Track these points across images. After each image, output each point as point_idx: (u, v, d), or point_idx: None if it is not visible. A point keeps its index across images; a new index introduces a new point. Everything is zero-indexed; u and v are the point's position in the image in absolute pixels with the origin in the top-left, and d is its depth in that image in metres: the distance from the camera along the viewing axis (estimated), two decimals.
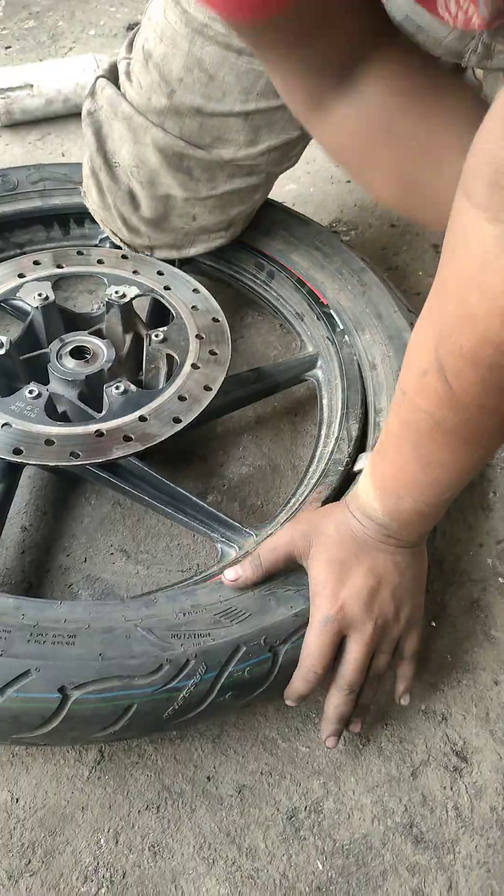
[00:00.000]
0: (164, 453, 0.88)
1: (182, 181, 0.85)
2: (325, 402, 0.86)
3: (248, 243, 0.97)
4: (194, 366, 0.80)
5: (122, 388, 0.77)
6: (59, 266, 0.90)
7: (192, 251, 0.94)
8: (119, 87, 0.84)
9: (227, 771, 0.67)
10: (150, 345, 0.82)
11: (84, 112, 0.88)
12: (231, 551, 0.72)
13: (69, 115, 1.38)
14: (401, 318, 0.86)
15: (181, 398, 0.77)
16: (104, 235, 0.98)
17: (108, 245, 0.99)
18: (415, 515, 0.62)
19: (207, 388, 0.78)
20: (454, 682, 0.73)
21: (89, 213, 0.97)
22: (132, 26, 1.66)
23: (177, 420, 0.75)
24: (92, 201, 0.94)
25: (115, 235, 0.95)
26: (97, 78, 0.87)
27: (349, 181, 1.29)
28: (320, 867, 0.62)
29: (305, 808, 0.65)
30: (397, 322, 0.86)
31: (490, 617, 0.78)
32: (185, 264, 0.97)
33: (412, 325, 0.85)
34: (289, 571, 0.66)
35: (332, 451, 0.78)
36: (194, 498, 0.75)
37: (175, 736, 0.68)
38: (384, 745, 0.69)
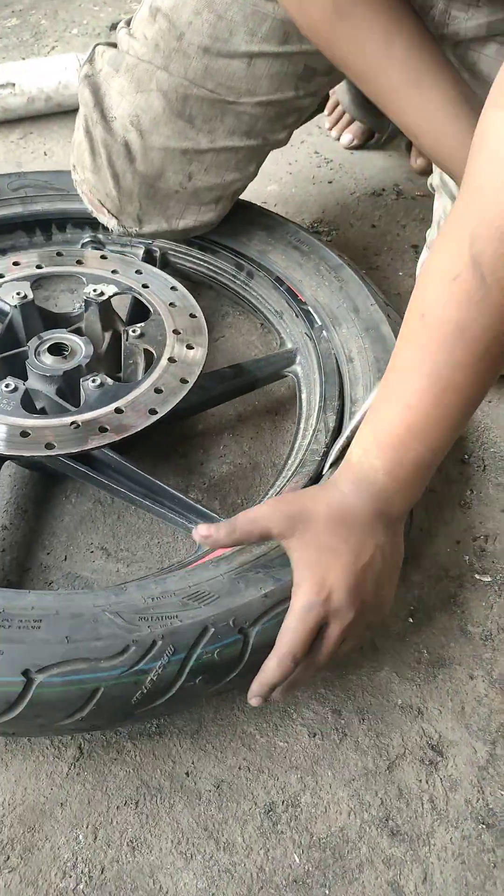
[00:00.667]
0: (145, 449, 0.88)
1: (182, 129, 0.87)
2: (303, 396, 0.87)
3: (227, 245, 0.98)
4: (171, 359, 0.81)
5: (98, 382, 0.78)
6: (39, 267, 0.91)
7: (181, 224, 0.93)
8: (124, 51, 0.88)
9: (205, 766, 0.67)
10: (127, 340, 0.83)
11: (81, 77, 0.90)
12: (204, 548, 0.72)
13: (51, 115, 1.39)
14: (377, 310, 0.88)
15: (157, 391, 0.78)
16: (86, 240, 0.99)
17: (89, 248, 1.00)
18: (414, 470, 0.62)
19: (184, 381, 0.79)
20: (430, 677, 0.74)
21: (71, 218, 0.98)
22: (115, 26, 1.66)
23: (153, 411, 0.76)
24: (82, 168, 0.93)
25: (103, 206, 0.93)
26: (95, 46, 0.90)
27: (331, 182, 1.30)
28: (297, 860, 0.63)
29: (283, 802, 0.66)
30: (374, 315, 0.87)
31: (466, 612, 0.79)
32: (165, 266, 0.98)
33: (389, 317, 0.87)
34: (259, 544, 0.66)
35: (309, 443, 0.78)
36: (172, 490, 0.75)
37: (153, 731, 0.69)
38: (361, 740, 0.70)
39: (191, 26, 0.84)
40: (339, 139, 1.37)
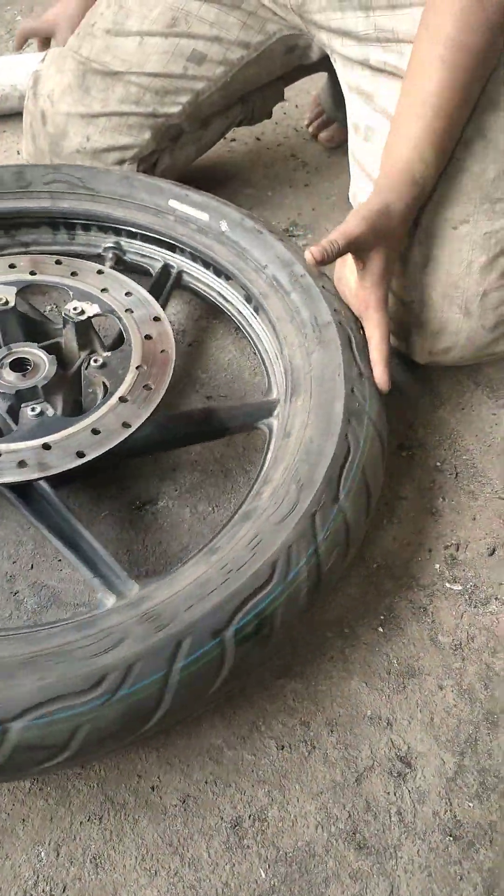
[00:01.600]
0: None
1: (81, 97, 1.06)
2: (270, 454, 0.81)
3: (239, 278, 0.94)
4: (122, 398, 0.76)
5: (37, 411, 0.74)
6: (33, 273, 0.88)
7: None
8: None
9: (171, 780, 0.66)
10: (86, 369, 0.79)
11: (32, 71, 1.13)
12: (108, 601, 0.66)
13: None
14: (340, 383, 0.80)
15: (95, 431, 0.73)
16: (109, 245, 1.01)
17: (109, 255, 0.99)
18: (447, 157, 0.82)
19: (126, 425, 0.74)
20: (400, 688, 0.74)
21: (96, 221, 1.01)
22: None
23: (80, 454, 0.71)
24: (23, 135, 1.15)
25: (28, 157, 1.15)
26: (48, 50, 1.13)
27: (307, 185, 1.30)
28: (263, 875, 0.62)
29: (250, 816, 0.65)
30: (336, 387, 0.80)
31: (437, 622, 0.78)
32: (177, 286, 0.99)
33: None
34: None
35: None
36: (88, 537, 0.71)
37: None
38: (329, 752, 0.69)
39: (101, 16, 1.06)
40: (316, 137, 1.40)
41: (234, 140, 1.34)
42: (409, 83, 0.81)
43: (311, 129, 1.41)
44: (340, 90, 1.04)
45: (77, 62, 1.05)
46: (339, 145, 1.38)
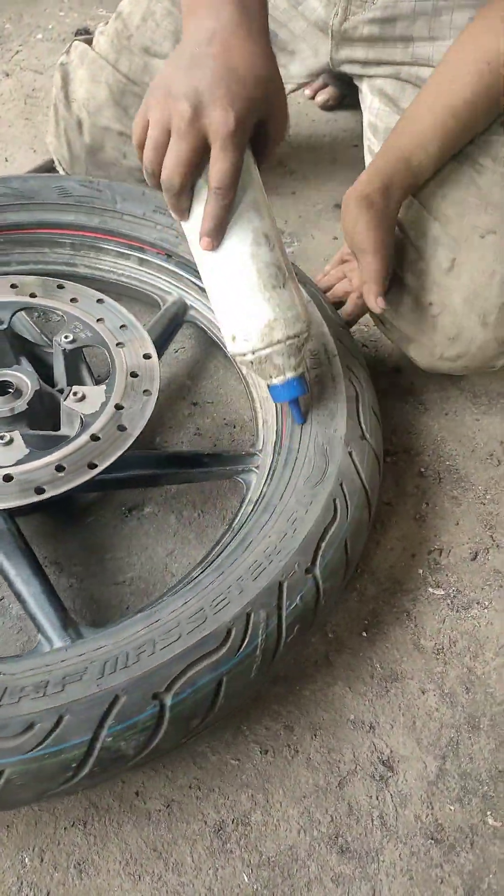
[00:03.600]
0: None
1: (119, 116, 1.07)
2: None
3: None
4: (94, 437, 0.73)
5: (6, 439, 0.72)
6: (33, 295, 0.87)
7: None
8: (91, 47, 1.10)
9: (155, 786, 0.67)
10: (65, 401, 0.77)
11: (58, 64, 1.13)
12: (46, 647, 0.66)
13: (14, 121, 1.37)
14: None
15: (59, 468, 0.71)
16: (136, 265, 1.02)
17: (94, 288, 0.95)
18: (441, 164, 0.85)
19: (92, 466, 0.71)
20: (383, 692, 0.74)
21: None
22: (80, 32, 1.65)
23: (39, 490, 0.69)
24: (50, 133, 1.14)
25: (60, 164, 1.14)
26: (73, 41, 1.14)
27: (294, 192, 1.31)
28: (246, 880, 0.63)
29: (233, 820, 0.66)
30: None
31: (420, 626, 0.79)
32: (185, 313, 0.98)
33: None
34: None
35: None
36: (34, 580, 0.70)
37: None
38: (312, 756, 0.70)
39: (137, 30, 1.07)
40: (314, 98, 1.51)
41: None
42: (437, 81, 0.82)
43: (307, 92, 1.50)
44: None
45: (115, 78, 1.06)
46: (333, 108, 1.50)
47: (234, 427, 0.95)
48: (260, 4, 0.70)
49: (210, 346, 1.02)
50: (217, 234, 0.68)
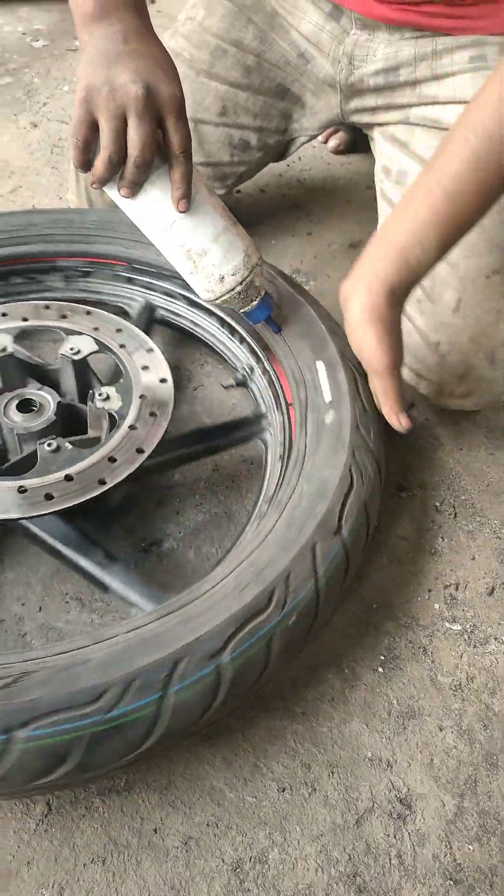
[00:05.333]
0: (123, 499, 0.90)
1: None
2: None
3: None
4: (132, 426, 0.81)
5: (54, 446, 0.78)
6: (25, 319, 0.93)
7: None
8: None
9: (173, 822, 0.67)
10: (92, 402, 0.83)
11: None
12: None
13: (41, 169, 1.43)
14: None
15: (111, 459, 0.77)
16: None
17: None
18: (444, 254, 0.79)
19: (140, 451, 0.78)
20: (400, 729, 0.74)
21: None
22: None
23: (102, 482, 0.75)
24: (71, 191, 1.20)
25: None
26: None
27: (310, 233, 1.34)
28: None
29: (251, 858, 0.66)
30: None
31: (437, 662, 0.79)
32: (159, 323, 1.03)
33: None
34: None
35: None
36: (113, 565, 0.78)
37: (122, 787, 0.69)
38: (330, 794, 0.70)
39: None
40: (326, 143, 1.55)
41: (239, 192, 1.39)
42: (432, 160, 0.79)
43: (320, 138, 1.53)
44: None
45: None
46: (344, 153, 1.53)
47: (251, 463, 0.97)
48: (146, 8, 0.80)
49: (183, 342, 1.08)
50: (189, 193, 0.77)
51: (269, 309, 0.89)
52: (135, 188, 0.77)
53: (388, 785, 0.71)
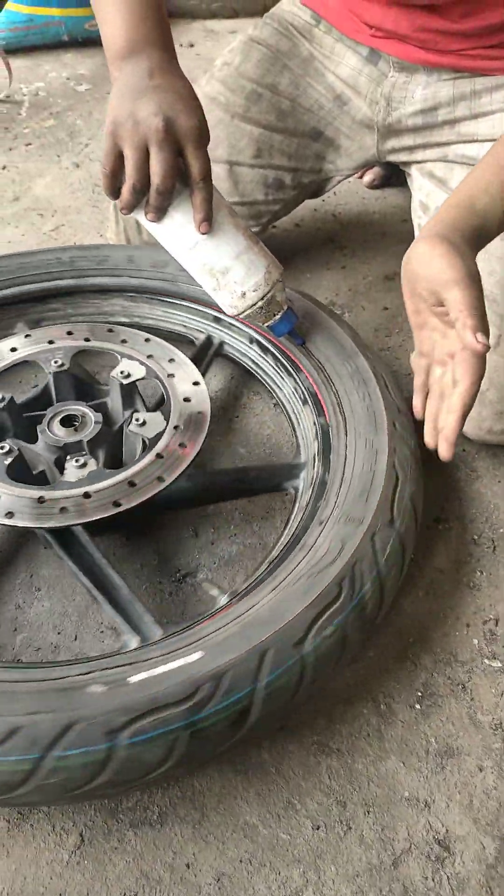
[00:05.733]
0: (156, 530, 0.91)
1: None
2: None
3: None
4: (159, 455, 0.83)
5: (80, 462, 0.81)
6: (87, 339, 0.97)
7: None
8: None
9: (206, 858, 0.67)
10: (128, 426, 0.86)
11: None
12: (133, 643, 0.73)
13: (82, 208, 1.47)
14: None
15: (131, 483, 0.79)
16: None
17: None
18: None
19: (160, 479, 0.80)
20: (438, 768, 0.73)
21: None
22: None
23: (116, 504, 0.77)
24: (110, 230, 1.24)
25: None
26: None
27: (344, 267, 1.36)
28: None
29: None
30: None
31: (476, 700, 0.78)
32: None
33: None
34: None
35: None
36: (117, 582, 0.78)
37: (155, 820, 0.68)
38: (366, 833, 0.68)
39: None
40: (361, 178, 1.57)
41: (274, 227, 1.41)
42: (496, 149, 0.78)
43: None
44: None
45: None
46: (379, 187, 1.55)
47: (286, 493, 0.97)
48: (172, 45, 0.84)
49: (244, 376, 1.09)
50: (210, 216, 0.81)
51: (292, 322, 0.93)
52: (159, 213, 0.81)
53: (425, 825, 0.69)
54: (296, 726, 0.75)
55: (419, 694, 0.78)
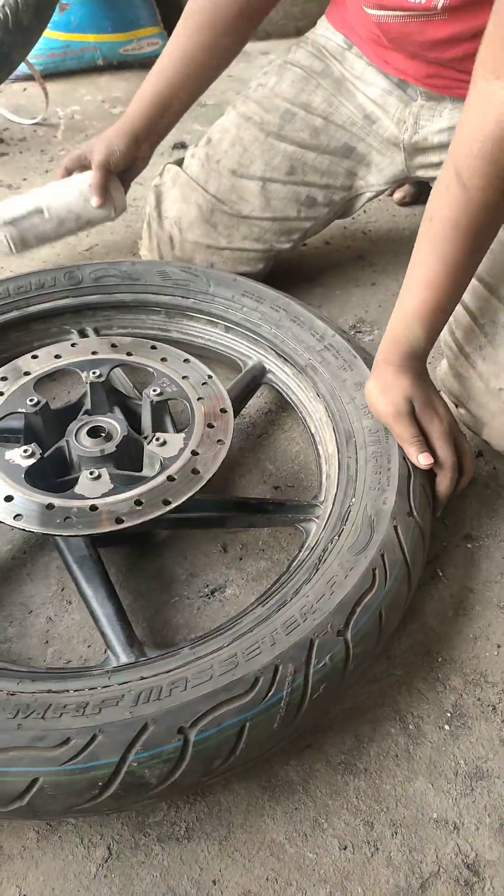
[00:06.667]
0: (188, 542, 0.92)
1: (208, 231, 1.20)
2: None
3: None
4: (170, 478, 0.83)
5: (96, 474, 0.82)
6: (129, 354, 0.99)
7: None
8: (182, 169, 1.23)
9: (232, 875, 0.67)
10: (148, 444, 0.87)
11: (152, 185, 1.27)
12: (113, 661, 0.75)
13: (115, 228, 1.50)
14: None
15: (137, 503, 0.80)
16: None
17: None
18: (440, 329, 0.87)
19: (166, 502, 0.80)
20: (467, 790, 0.72)
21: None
22: (177, 145, 1.81)
23: (118, 520, 0.78)
24: (143, 246, 1.29)
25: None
26: (166, 164, 1.27)
27: (374, 284, 1.36)
28: None
29: None
30: None
31: None
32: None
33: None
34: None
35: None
36: (109, 602, 0.79)
37: (182, 835, 0.69)
38: (393, 855, 0.68)
39: (226, 154, 1.18)
40: (391, 195, 1.59)
41: (304, 245, 1.43)
42: (413, 255, 0.85)
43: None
44: None
45: (205, 199, 1.18)
46: (409, 204, 1.57)
47: (300, 479, 0.97)
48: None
49: (284, 405, 1.08)
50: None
51: None
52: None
53: (454, 849, 0.68)
54: (322, 745, 0.74)
55: (448, 715, 0.77)
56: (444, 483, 0.85)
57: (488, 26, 0.74)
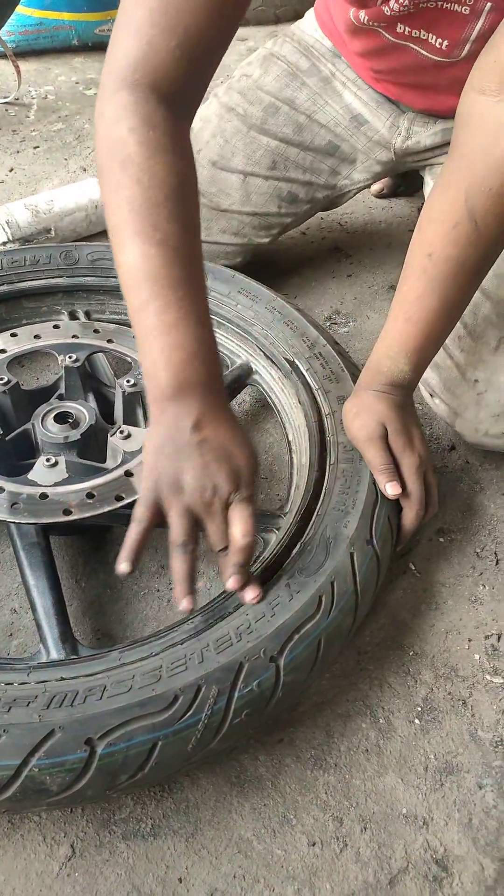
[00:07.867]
0: (156, 532, 0.90)
1: None
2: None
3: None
4: (128, 473, 0.81)
5: (52, 462, 0.81)
6: (110, 341, 0.98)
7: None
8: None
9: (199, 872, 0.65)
10: (111, 436, 0.85)
11: None
12: (43, 656, 0.71)
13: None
14: None
15: (89, 495, 0.78)
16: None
17: None
18: (427, 363, 0.83)
19: (119, 498, 0.78)
20: (437, 785, 0.71)
21: None
22: None
23: (66, 512, 0.76)
24: None
25: None
26: None
27: (350, 275, 1.35)
28: None
29: None
30: None
31: (477, 716, 0.76)
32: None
33: None
34: None
35: None
36: (49, 593, 0.76)
37: (147, 832, 0.67)
38: (362, 851, 0.67)
39: (206, 145, 1.13)
40: (369, 187, 1.51)
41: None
42: (399, 284, 0.82)
43: None
44: None
45: None
46: (386, 197, 1.55)
47: (267, 486, 0.96)
48: (222, 382, 0.72)
49: (265, 408, 1.05)
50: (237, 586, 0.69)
51: None
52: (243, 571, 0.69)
53: (423, 844, 0.67)
54: (293, 740, 0.74)
55: (419, 709, 0.77)
56: (409, 516, 0.81)
57: (495, 37, 0.70)
